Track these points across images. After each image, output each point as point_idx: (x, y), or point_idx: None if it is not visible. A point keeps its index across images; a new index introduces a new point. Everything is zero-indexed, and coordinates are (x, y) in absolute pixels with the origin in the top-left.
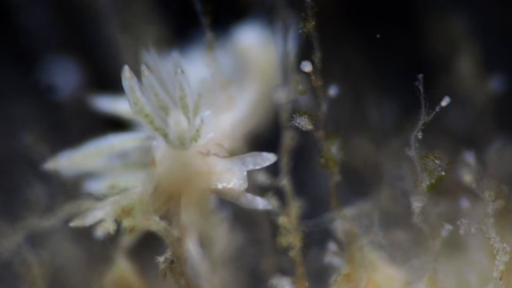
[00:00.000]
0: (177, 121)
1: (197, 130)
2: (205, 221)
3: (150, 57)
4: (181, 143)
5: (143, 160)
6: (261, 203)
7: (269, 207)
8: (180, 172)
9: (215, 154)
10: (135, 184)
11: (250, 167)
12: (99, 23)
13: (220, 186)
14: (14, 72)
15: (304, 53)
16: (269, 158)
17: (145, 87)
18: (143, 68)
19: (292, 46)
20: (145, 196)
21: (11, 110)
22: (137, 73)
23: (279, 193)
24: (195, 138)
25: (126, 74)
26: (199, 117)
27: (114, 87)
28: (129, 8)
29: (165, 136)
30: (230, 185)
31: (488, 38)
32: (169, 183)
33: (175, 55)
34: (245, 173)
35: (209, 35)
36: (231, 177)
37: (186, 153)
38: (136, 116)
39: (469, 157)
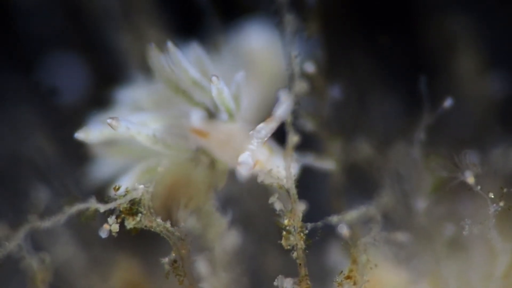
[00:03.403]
0: (220, 89)
1: (236, 98)
2: (207, 222)
3: (169, 45)
4: (230, 114)
5: (173, 139)
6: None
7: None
8: (187, 171)
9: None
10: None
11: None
12: (103, 23)
13: (270, 167)
14: (18, 74)
15: (309, 54)
16: (329, 164)
17: (173, 64)
18: (169, 45)
19: (298, 50)
20: (148, 197)
21: (15, 112)
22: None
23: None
24: (237, 108)
25: (152, 52)
26: (233, 83)
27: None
28: (132, 7)
29: (207, 110)
30: (279, 169)
31: (491, 37)
32: (172, 182)
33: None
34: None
35: (215, 34)
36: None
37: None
38: (172, 93)
39: (472, 158)
